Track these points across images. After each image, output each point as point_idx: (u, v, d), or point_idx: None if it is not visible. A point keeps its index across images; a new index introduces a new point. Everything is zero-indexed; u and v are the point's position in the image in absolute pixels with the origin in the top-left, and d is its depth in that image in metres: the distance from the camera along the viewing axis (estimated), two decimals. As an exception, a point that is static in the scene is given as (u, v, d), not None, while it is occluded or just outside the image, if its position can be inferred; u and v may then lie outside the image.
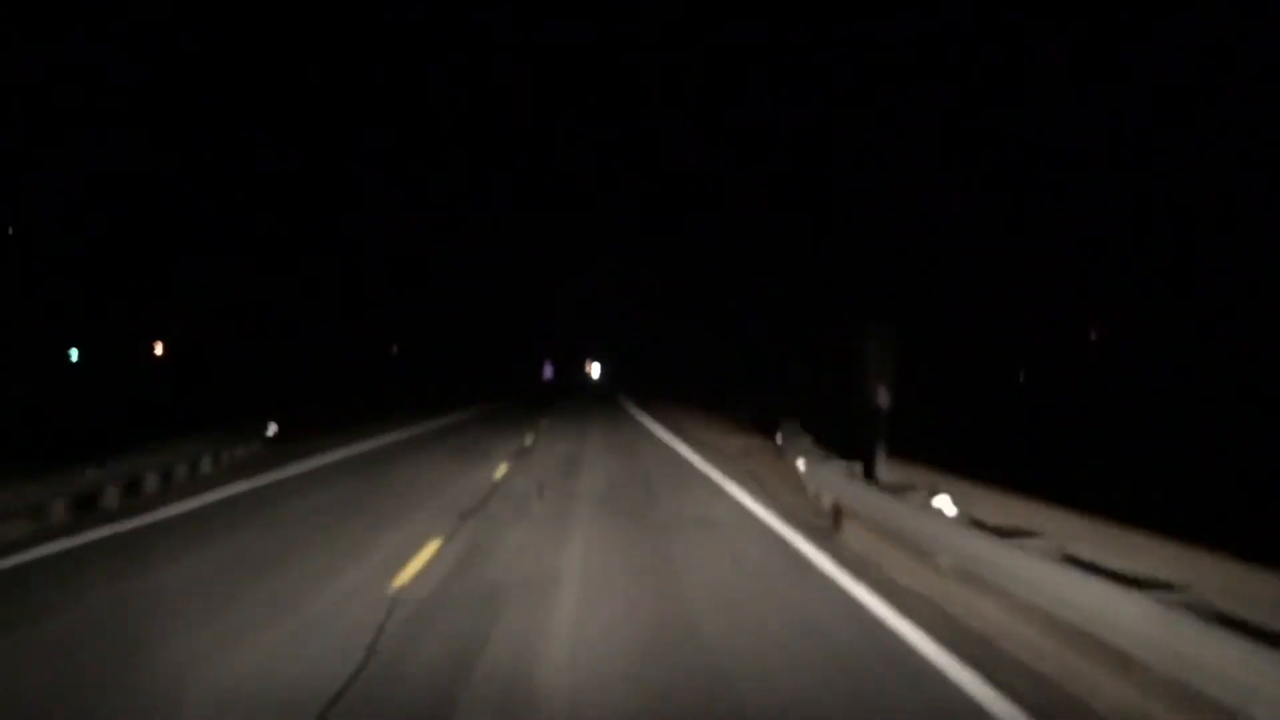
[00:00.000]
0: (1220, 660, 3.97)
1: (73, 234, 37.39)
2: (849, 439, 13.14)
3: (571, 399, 45.61)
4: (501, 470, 14.56)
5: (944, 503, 8.56)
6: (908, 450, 13.06)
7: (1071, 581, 5.41)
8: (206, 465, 13.65)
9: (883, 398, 11.73)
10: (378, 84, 59.94)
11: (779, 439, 16.39)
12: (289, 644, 5.52)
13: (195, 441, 13.78)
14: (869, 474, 11.14)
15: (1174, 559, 7.07)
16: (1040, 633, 5.71)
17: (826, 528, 9.80)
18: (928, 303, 40.93)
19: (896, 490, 9.34)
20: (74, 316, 37.10)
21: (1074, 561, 5.97)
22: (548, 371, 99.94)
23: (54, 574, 7.51)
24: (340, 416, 24.54)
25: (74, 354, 38.45)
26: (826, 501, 10.58)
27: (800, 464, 12.62)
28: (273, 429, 17.18)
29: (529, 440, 20.28)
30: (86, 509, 10.06)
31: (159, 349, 42.56)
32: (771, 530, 9.80)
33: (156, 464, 11.92)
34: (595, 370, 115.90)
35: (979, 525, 7.75)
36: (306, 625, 5.92)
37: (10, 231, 35.20)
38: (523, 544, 8.83)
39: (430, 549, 8.29)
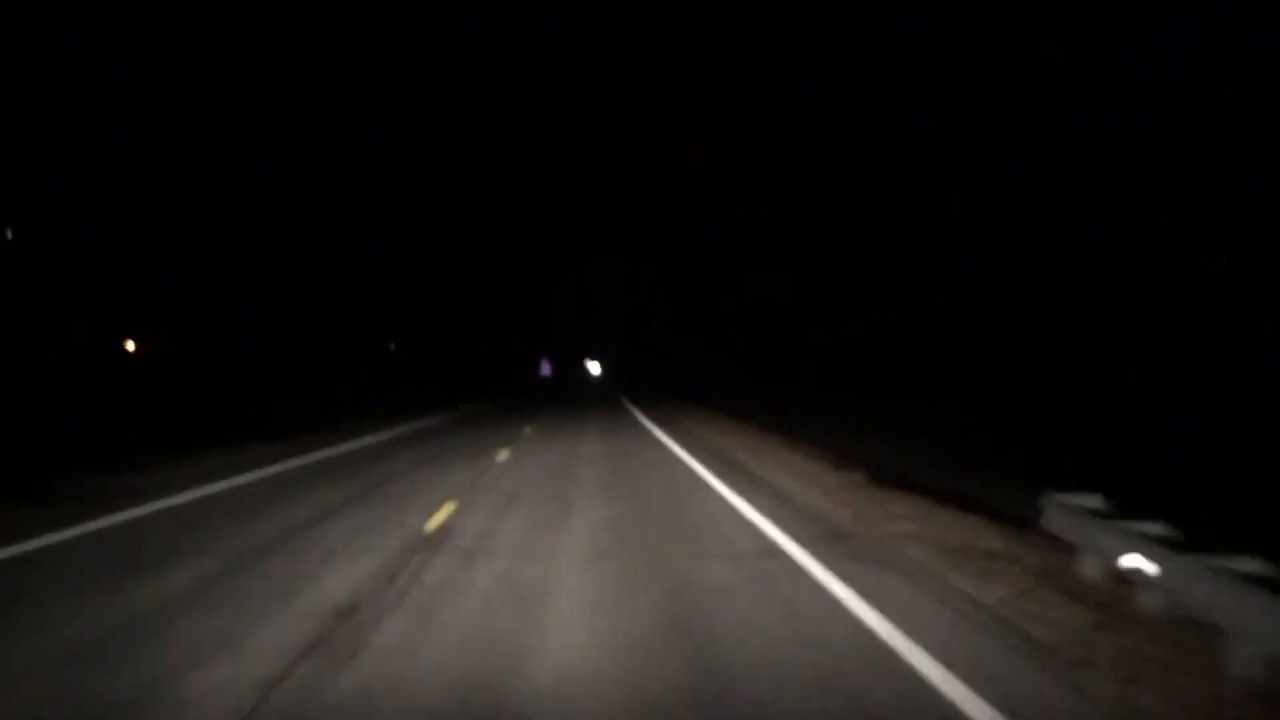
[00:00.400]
0: None
1: (71, 234, 37.42)
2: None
3: (564, 404, 37.43)
4: None
5: None
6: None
7: None
8: None
9: None
10: (378, 84, 59.95)
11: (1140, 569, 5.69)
12: None
13: None
14: None
15: None
16: None
17: None
18: (925, 300, 41.03)
19: None
20: (65, 314, 37.05)
21: None
22: (545, 369, 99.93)
23: None
24: (198, 439, 16.47)
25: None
26: None
27: None
28: None
29: (433, 523, 8.61)
30: None
31: (130, 347, 42.09)
32: None
33: None
34: (594, 369, 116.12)
35: None
36: None
37: (9, 235, 35.18)
38: None
39: None
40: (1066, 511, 6.95)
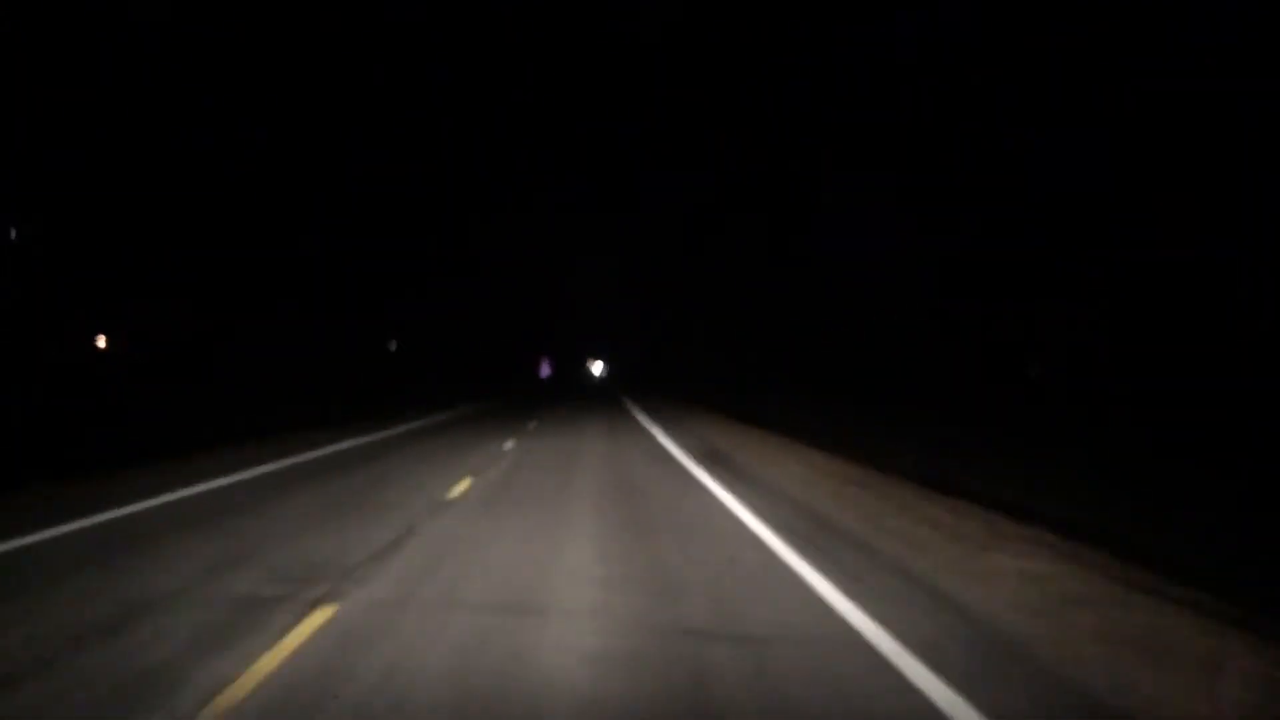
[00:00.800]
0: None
1: (67, 231, 37.47)
2: None
3: (556, 419, 28.93)
4: None
5: None
6: None
7: None
8: None
9: None
10: (378, 84, 59.88)
11: None
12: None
13: None
14: None
15: None
16: None
17: None
18: (930, 300, 41.04)
19: None
20: (57, 312, 37.02)
21: None
22: (545, 370, 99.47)
23: None
24: None
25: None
26: None
27: None
28: None
29: None
30: None
31: (101, 343, 41.73)
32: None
33: None
34: (597, 369, 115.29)
35: None
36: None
37: (14, 234, 35.25)
38: None
39: None
40: None
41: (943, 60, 39.10)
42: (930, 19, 39.43)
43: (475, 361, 72.03)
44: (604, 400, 40.74)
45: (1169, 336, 29.92)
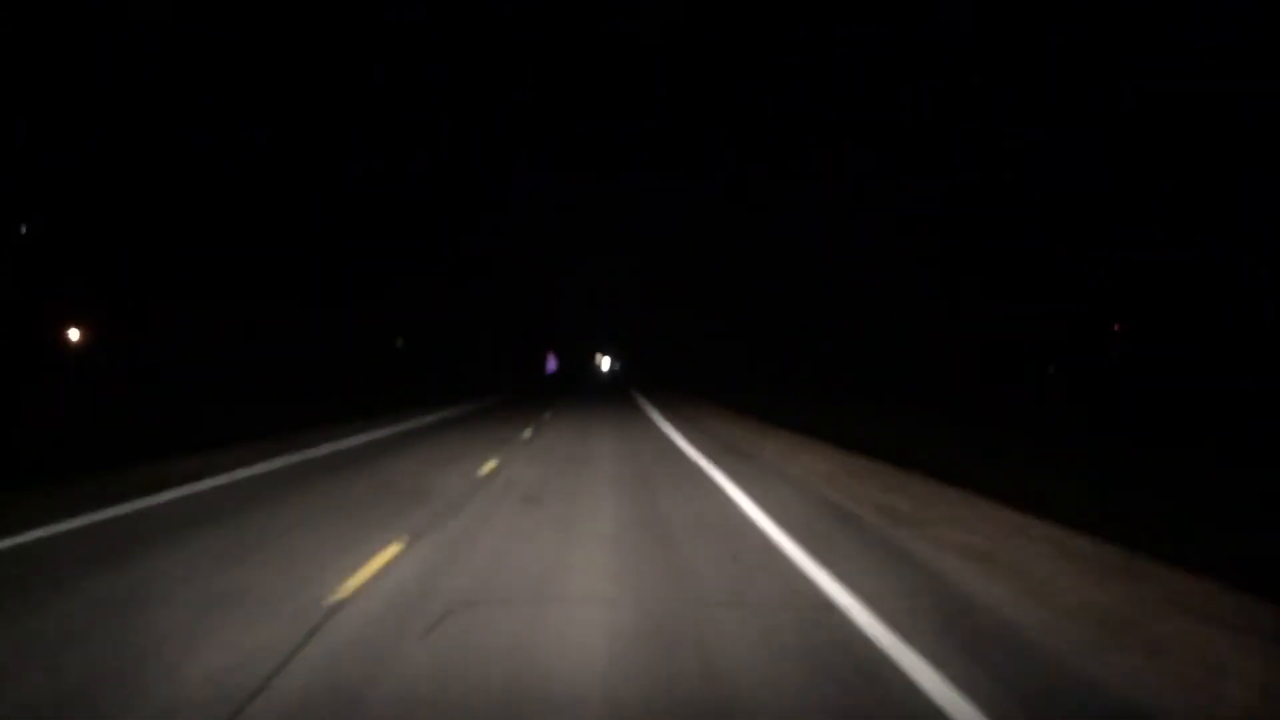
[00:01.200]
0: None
1: (69, 230, 37.54)
2: None
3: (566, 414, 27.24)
4: None
5: None
6: None
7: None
8: None
9: None
10: (378, 84, 59.80)
11: None
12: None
13: None
14: None
15: None
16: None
17: None
18: (930, 300, 40.99)
19: None
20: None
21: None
22: (550, 364, 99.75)
23: None
24: None
25: None
26: None
27: None
28: None
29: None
30: None
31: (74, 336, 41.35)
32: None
33: None
34: (605, 364, 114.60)
35: None
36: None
37: (24, 230, 35.36)
38: None
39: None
40: None
41: (943, 60, 39.07)
42: (930, 19, 39.42)
43: (478, 359, 72.05)
44: (617, 404, 34.76)
45: (1169, 337, 29.91)
